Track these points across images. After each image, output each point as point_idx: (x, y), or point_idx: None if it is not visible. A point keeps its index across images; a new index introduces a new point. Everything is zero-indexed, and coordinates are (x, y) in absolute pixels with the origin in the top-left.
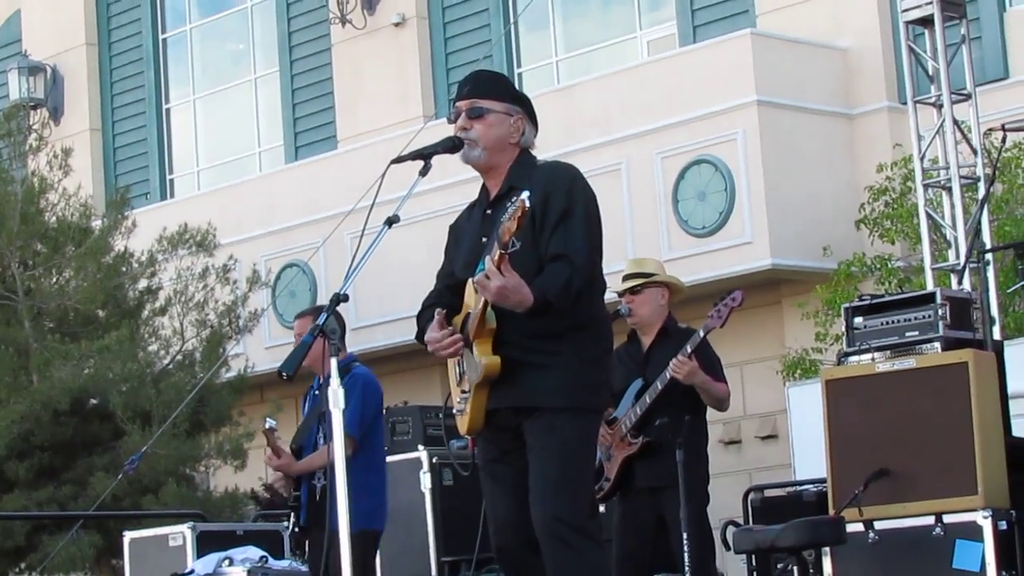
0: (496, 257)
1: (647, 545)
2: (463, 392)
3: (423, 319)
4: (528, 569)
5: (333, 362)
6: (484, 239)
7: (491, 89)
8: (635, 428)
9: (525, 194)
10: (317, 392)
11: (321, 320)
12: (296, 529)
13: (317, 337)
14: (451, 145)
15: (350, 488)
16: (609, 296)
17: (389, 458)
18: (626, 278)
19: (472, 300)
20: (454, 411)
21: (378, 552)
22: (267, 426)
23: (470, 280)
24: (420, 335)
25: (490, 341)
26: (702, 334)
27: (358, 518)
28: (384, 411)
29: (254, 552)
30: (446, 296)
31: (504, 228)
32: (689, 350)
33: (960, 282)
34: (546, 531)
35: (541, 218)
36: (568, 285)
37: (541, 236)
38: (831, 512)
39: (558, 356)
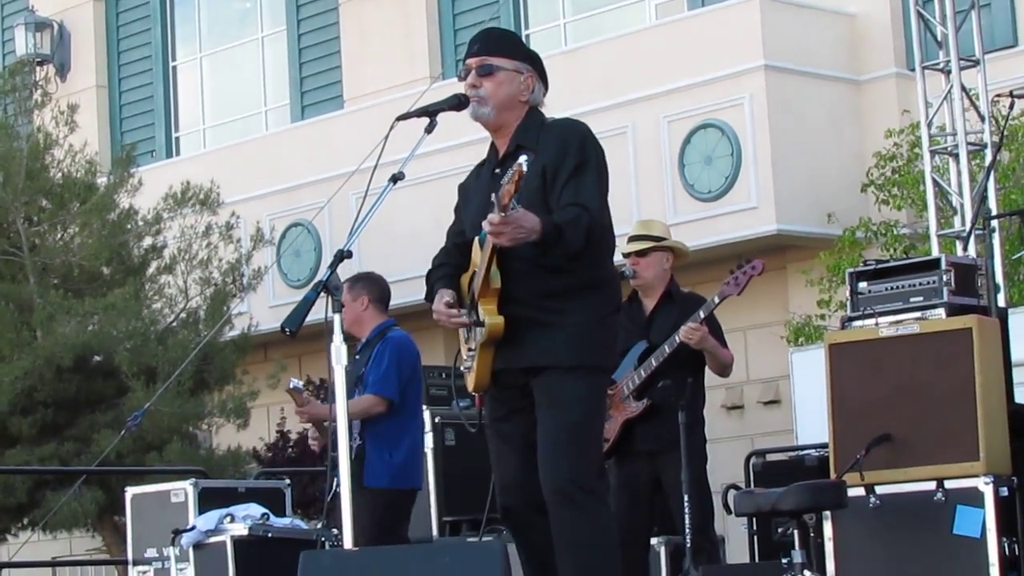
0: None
1: (644, 507)
2: (470, 350)
3: (432, 278)
4: (534, 529)
5: (336, 318)
6: (492, 197)
7: (501, 47)
8: (637, 391)
9: (523, 158)
10: (358, 356)
11: (325, 276)
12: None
13: (320, 293)
14: (456, 103)
15: (384, 446)
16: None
17: None
18: (633, 239)
19: (478, 258)
20: (462, 368)
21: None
22: (291, 386)
23: (476, 239)
24: (429, 294)
25: (495, 300)
26: (717, 301)
27: (391, 477)
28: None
29: (256, 509)
30: (454, 254)
31: (504, 191)
32: (702, 316)
33: (965, 248)
34: (554, 490)
35: (553, 174)
36: (578, 221)
37: (552, 192)
38: (832, 476)
39: (567, 315)
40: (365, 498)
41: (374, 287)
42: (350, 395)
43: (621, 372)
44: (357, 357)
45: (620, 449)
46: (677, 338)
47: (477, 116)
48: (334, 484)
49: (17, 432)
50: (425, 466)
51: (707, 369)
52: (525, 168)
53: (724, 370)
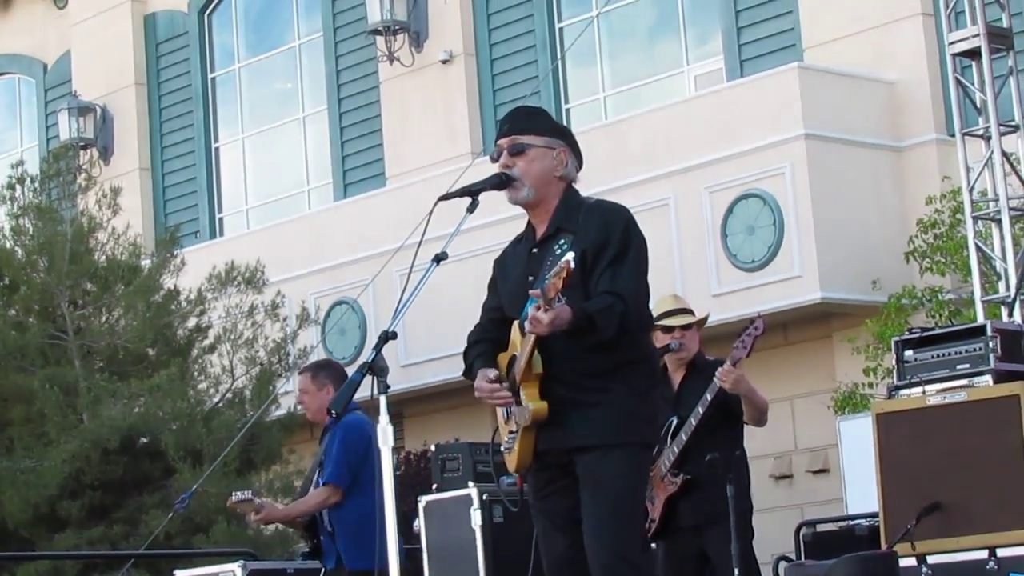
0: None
1: None
2: (511, 432)
3: (470, 355)
4: None
5: (383, 400)
6: (531, 278)
7: (531, 124)
8: (674, 467)
9: (570, 255)
10: (320, 444)
11: (370, 357)
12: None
13: (366, 375)
14: (498, 182)
15: (346, 531)
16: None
17: (439, 495)
18: (674, 314)
19: (519, 341)
20: (502, 448)
21: None
22: (234, 499)
23: (516, 323)
24: (468, 371)
25: (537, 385)
26: (730, 366)
27: (357, 558)
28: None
29: None
30: (490, 329)
31: (549, 285)
32: (730, 363)
33: (1011, 314)
34: (602, 566)
35: (593, 260)
36: (612, 309)
37: (590, 277)
38: (883, 546)
39: (608, 393)
40: None
41: (336, 375)
42: (313, 484)
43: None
44: (320, 445)
45: (666, 526)
46: (708, 396)
47: (515, 200)
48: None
49: (66, 515)
50: (474, 543)
51: (749, 438)
52: (573, 266)
53: (761, 417)
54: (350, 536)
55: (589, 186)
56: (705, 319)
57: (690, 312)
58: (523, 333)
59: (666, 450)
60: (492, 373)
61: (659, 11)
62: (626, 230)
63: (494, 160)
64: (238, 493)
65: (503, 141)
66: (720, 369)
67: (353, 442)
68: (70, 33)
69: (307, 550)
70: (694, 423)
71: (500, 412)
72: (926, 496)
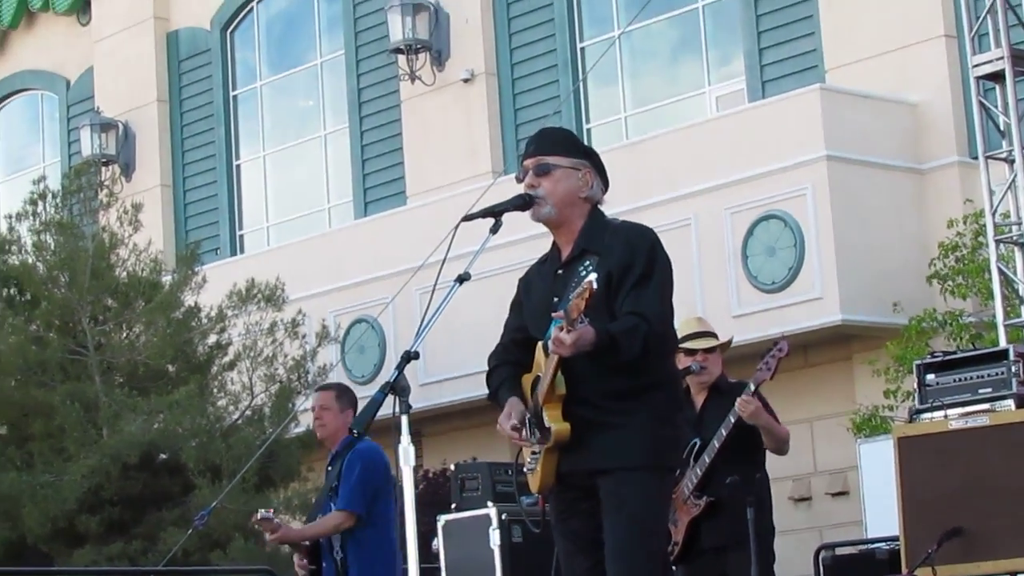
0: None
1: None
2: (533, 453)
3: (494, 380)
4: None
5: (404, 419)
6: (555, 299)
7: (557, 145)
8: (697, 489)
9: (593, 276)
10: (329, 468)
11: (392, 377)
12: None
13: (387, 394)
14: (521, 203)
15: (365, 557)
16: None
17: (458, 515)
18: (697, 336)
19: (542, 362)
20: (525, 469)
21: None
22: (260, 516)
23: (540, 344)
24: (493, 396)
25: (560, 406)
26: (753, 388)
27: None
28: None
29: None
30: (512, 351)
31: (572, 305)
32: (753, 388)
33: None
34: None
35: (618, 281)
36: (635, 331)
37: (615, 299)
38: (903, 571)
39: (632, 415)
40: None
41: (353, 399)
42: (324, 507)
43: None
44: (329, 468)
45: (689, 548)
46: (731, 418)
47: (539, 217)
48: None
49: (85, 530)
50: (492, 563)
51: (769, 460)
52: (595, 286)
53: (782, 446)
54: (364, 566)
55: (610, 207)
56: (728, 343)
57: (713, 335)
58: (547, 354)
59: (689, 472)
60: (517, 414)
61: (681, 32)
62: (651, 252)
63: (519, 181)
64: (262, 511)
65: (529, 162)
66: (739, 400)
67: (372, 472)
68: (93, 50)
69: (305, 574)
70: (717, 445)
71: (524, 431)
72: (947, 520)
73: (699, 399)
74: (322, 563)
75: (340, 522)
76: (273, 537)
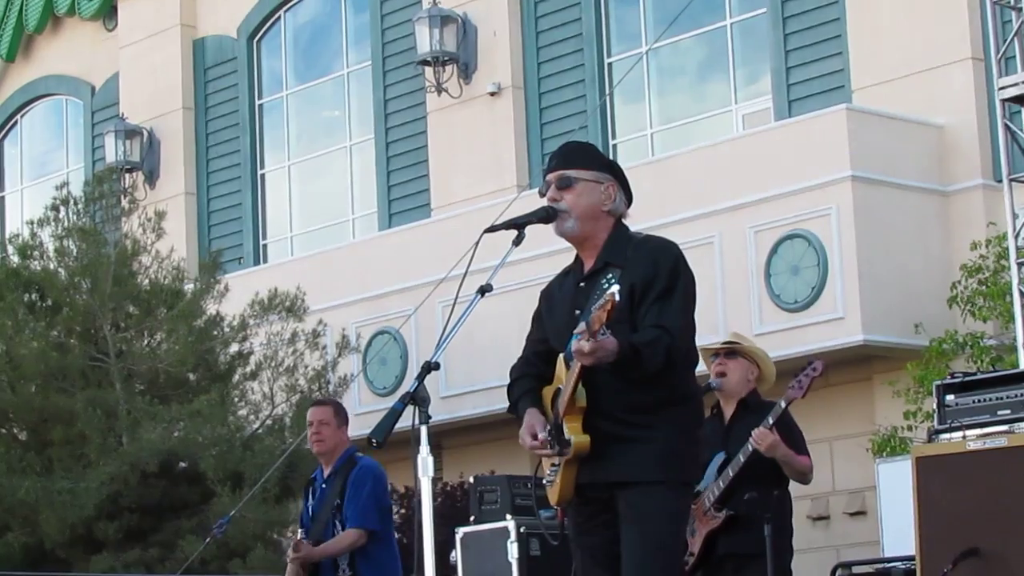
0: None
1: None
2: (553, 465)
3: (515, 392)
4: None
5: (423, 430)
6: (577, 311)
7: (579, 159)
8: (718, 502)
9: (615, 288)
10: (325, 485)
11: (412, 387)
12: None
13: (407, 404)
14: (545, 215)
15: (377, 573)
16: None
17: (476, 527)
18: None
19: (563, 375)
20: (544, 481)
21: None
22: (299, 538)
23: (561, 356)
24: (513, 408)
25: (580, 419)
26: (783, 405)
27: None
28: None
29: None
30: (535, 363)
31: (594, 316)
32: (771, 421)
33: None
34: None
35: (641, 294)
36: (658, 342)
37: (638, 312)
38: None
39: (653, 430)
40: None
41: (347, 416)
42: (328, 524)
43: (704, 483)
44: (324, 486)
45: (704, 560)
46: (750, 446)
47: (562, 231)
48: None
49: (103, 537)
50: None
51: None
52: (618, 298)
53: (802, 477)
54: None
55: (634, 222)
56: (763, 368)
57: (740, 345)
58: (568, 366)
59: (712, 484)
60: (538, 427)
61: (709, 49)
62: (675, 266)
63: (543, 195)
64: (301, 532)
65: (551, 175)
66: (756, 432)
67: (383, 489)
68: (119, 56)
69: None
70: (743, 459)
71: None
72: (963, 541)
73: (728, 411)
74: None
75: (356, 540)
76: (296, 556)
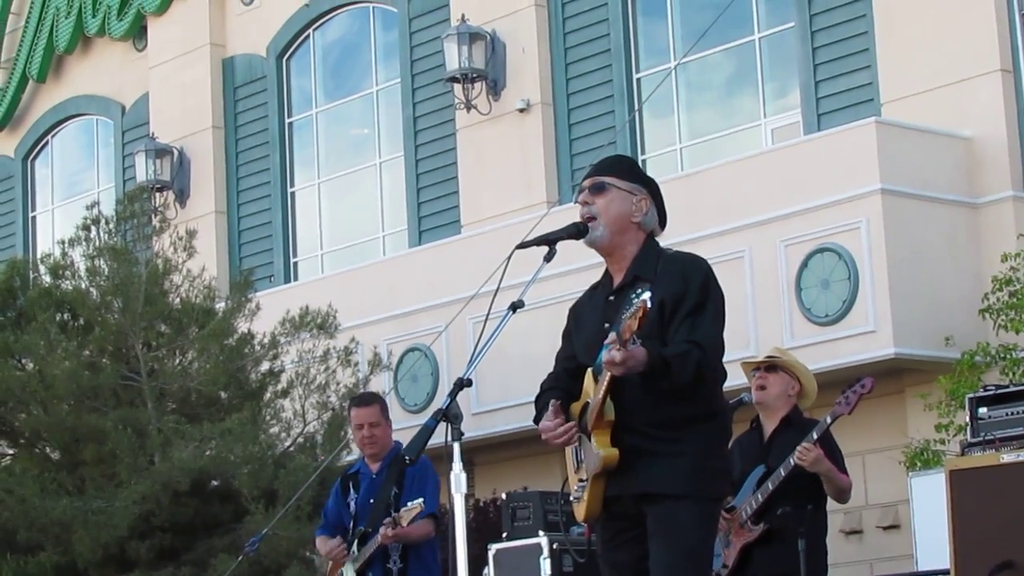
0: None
1: None
2: (580, 480)
3: (541, 403)
4: None
5: (456, 446)
6: (606, 325)
7: (616, 168)
8: (755, 515)
9: (647, 295)
10: (375, 476)
11: (444, 404)
12: None
13: (439, 421)
14: (575, 231)
15: (424, 566)
16: (739, 381)
17: (509, 543)
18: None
19: (591, 389)
20: (571, 497)
21: None
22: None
23: (590, 370)
24: (538, 417)
25: (608, 432)
26: (829, 420)
27: None
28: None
29: None
30: (564, 379)
31: (625, 326)
32: (815, 436)
33: None
34: None
35: (671, 311)
36: (688, 356)
37: (668, 328)
38: None
39: (682, 444)
40: None
41: (387, 406)
42: (380, 519)
43: (741, 497)
44: (375, 477)
45: (738, 573)
46: (792, 460)
47: (592, 241)
48: None
49: (135, 556)
50: None
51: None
52: (649, 305)
53: (841, 495)
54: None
55: (664, 237)
56: (803, 384)
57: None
58: (596, 380)
59: (749, 497)
60: (552, 409)
61: (737, 63)
62: (705, 282)
63: (577, 201)
64: (355, 550)
65: (587, 181)
66: (800, 447)
67: (437, 479)
68: (149, 75)
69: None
70: (783, 473)
71: (570, 461)
72: (998, 554)
73: (769, 427)
74: (368, 573)
75: (430, 529)
76: (392, 533)
